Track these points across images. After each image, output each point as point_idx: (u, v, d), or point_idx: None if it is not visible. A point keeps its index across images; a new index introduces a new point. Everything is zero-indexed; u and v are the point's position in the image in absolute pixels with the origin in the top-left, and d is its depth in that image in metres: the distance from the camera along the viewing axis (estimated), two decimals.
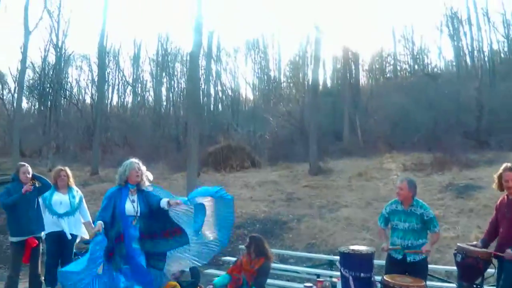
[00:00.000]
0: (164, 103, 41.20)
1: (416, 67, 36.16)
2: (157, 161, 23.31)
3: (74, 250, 8.81)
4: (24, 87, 31.82)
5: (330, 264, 11.61)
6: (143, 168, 6.20)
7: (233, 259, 9.86)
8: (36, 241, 6.84)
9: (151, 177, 6.30)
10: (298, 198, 17.32)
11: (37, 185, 6.89)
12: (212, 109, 38.76)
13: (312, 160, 20.68)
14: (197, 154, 17.41)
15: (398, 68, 37.25)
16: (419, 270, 6.13)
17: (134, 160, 6.23)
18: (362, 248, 6.39)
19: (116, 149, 31.18)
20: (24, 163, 7.04)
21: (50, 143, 30.79)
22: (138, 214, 6.05)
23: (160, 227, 6.20)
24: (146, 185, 6.26)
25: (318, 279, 10.03)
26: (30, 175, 6.84)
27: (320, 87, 30.77)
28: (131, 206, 6.03)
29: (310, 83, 28.80)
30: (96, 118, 28.16)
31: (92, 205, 14.34)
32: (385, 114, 27.82)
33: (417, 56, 36.41)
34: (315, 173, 20.11)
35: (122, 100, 43.88)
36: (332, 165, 20.99)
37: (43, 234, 7.12)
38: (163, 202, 6.17)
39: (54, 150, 30.29)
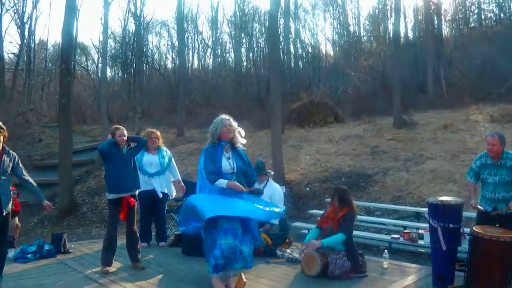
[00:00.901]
0: (245, 63, 41.28)
1: (501, 15, 34.65)
2: (241, 120, 23.35)
3: (166, 208, 9.24)
4: (107, 57, 32.69)
5: (417, 216, 11.65)
6: (235, 124, 6.12)
7: (320, 211, 10.02)
8: (134, 200, 7.06)
9: (243, 133, 6.25)
10: (383, 152, 17.25)
11: (132, 146, 7.11)
12: (292, 66, 38.58)
13: (396, 113, 20.42)
14: (280, 111, 17.54)
15: (483, 17, 35.70)
16: (510, 221, 6.07)
17: (225, 116, 6.12)
18: (451, 199, 6.38)
19: (199, 110, 31.69)
20: (119, 126, 7.11)
21: (136, 108, 31.66)
22: (235, 170, 6.03)
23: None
24: (240, 141, 6.22)
25: (404, 231, 10.13)
26: (126, 137, 7.02)
27: (402, 39, 30.04)
28: (227, 163, 6.00)
29: (391, 36, 28.26)
30: (179, 82, 28.80)
31: (180, 164, 14.87)
32: (470, 65, 26.94)
33: (503, 4, 34.84)
34: (399, 126, 19.87)
35: (202, 62, 44.54)
36: (416, 118, 20.66)
37: (137, 192, 7.36)
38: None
39: (140, 115, 31.13)
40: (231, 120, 6.11)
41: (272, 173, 9.45)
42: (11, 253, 7.07)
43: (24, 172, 6.11)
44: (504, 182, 6.11)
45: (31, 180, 6.21)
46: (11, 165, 5.83)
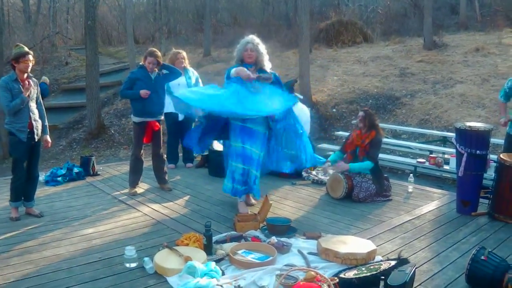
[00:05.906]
0: None
1: None
2: (268, 39, 23.13)
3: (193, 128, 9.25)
4: None
5: (443, 141, 11.63)
6: (261, 47, 5.89)
7: (345, 133, 10.00)
8: (158, 125, 7.05)
9: (268, 63, 6.00)
10: (412, 74, 16.99)
11: (162, 73, 7.00)
12: None
13: (427, 34, 19.96)
14: (308, 30, 17.27)
15: None
16: None
17: (250, 40, 5.86)
18: (479, 125, 6.31)
19: (226, 29, 31.34)
20: (154, 52, 6.93)
21: (162, 28, 31.40)
22: None
23: None
24: (266, 65, 5.96)
25: (430, 155, 10.13)
26: (155, 64, 6.89)
27: None
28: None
29: None
30: (205, 1, 28.31)
31: (207, 85, 14.79)
32: None
33: None
34: (429, 47, 19.47)
35: None
36: (447, 40, 20.20)
37: (162, 118, 7.34)
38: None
39: (166, 35, 30.89)
40: (255, 43, 5.88)
41: (301, 97, 9.31)
42: (41, 176, 7.19)
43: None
44: None
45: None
46: (38, 90, 5.84)
